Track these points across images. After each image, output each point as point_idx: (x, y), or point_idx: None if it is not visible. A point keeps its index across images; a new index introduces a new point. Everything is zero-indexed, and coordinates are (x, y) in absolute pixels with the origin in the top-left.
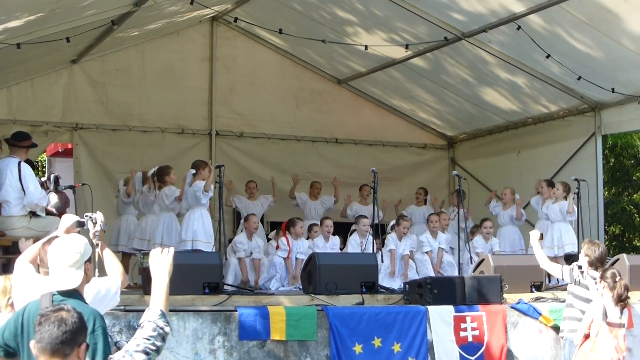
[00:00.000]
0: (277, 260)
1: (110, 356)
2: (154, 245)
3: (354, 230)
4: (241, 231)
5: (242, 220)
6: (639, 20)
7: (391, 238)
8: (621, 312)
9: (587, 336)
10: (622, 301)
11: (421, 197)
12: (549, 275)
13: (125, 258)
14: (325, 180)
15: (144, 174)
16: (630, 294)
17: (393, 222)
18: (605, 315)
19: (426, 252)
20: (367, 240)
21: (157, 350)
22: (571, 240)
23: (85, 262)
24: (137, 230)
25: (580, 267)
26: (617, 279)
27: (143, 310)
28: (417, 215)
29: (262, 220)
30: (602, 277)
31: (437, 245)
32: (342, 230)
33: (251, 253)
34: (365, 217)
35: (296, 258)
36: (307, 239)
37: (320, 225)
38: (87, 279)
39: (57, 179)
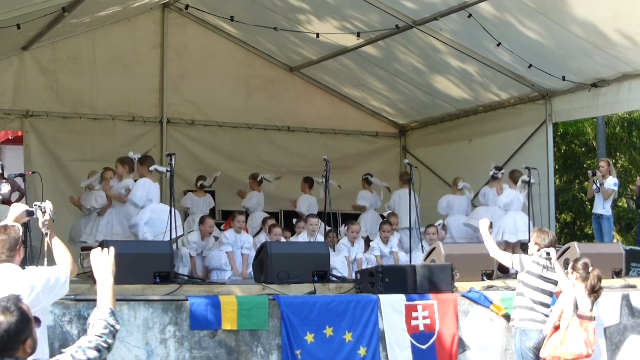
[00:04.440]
0: (222, 256)
1: (63, 350)
2: (113, 237)
3: (299, 223)
4: (195, 230)
5: (197, 221)
6: (588, 8)
7: (343, 245)
8: (592, 304)
9: (557, 327)
10: (594, 292)
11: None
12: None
13: None
14: (277, 168)
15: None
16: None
17: (345, 226)
18: (576, 307)
19: (375, 256)
20: (315, 239)
21: (109, 348)
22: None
23: None
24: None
25: (548, 254)
26: (590, 269)
27: (93, 300)
28: (368, 201)
29: (213, 210)
30: (574, 268)
31: (389, 250)
32: (291, 220)
33: (202, 252)
34: (315, 216)
35: (242, 254)
36: (260, 231)
37: (263, 224)
38: None
39: (1, 167)
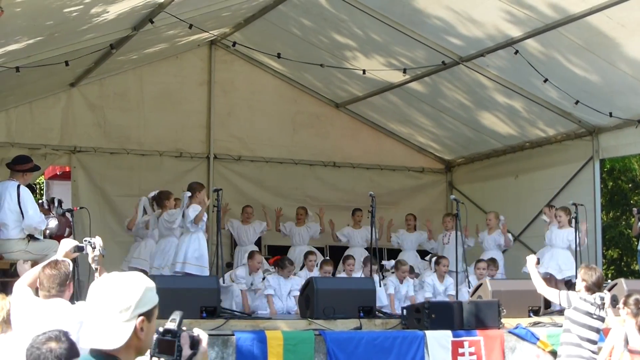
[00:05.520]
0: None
1: None
2: (151, 269)
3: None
4: (243, 265)
5: (246, 255)
6: (636, 45)
7: (391, 282)
8: None
9: None
10: None
11: (411, 223)
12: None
13: None
14: (322, 204)
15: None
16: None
17: (393, 263)
18: (626, 342)
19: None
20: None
21: None
22: (570, 267)
23: (141, 315)
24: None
25: (602, 299)
26: None
27: None
28: (408, 242)
29: (259, 244)
30: (625, 304)
31: (444, 289)
32: (336, 254)
33: (252, 284)
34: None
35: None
36: (302, 267)
37: (305, 259)
38: (139, 342)
39: (60, 202)
